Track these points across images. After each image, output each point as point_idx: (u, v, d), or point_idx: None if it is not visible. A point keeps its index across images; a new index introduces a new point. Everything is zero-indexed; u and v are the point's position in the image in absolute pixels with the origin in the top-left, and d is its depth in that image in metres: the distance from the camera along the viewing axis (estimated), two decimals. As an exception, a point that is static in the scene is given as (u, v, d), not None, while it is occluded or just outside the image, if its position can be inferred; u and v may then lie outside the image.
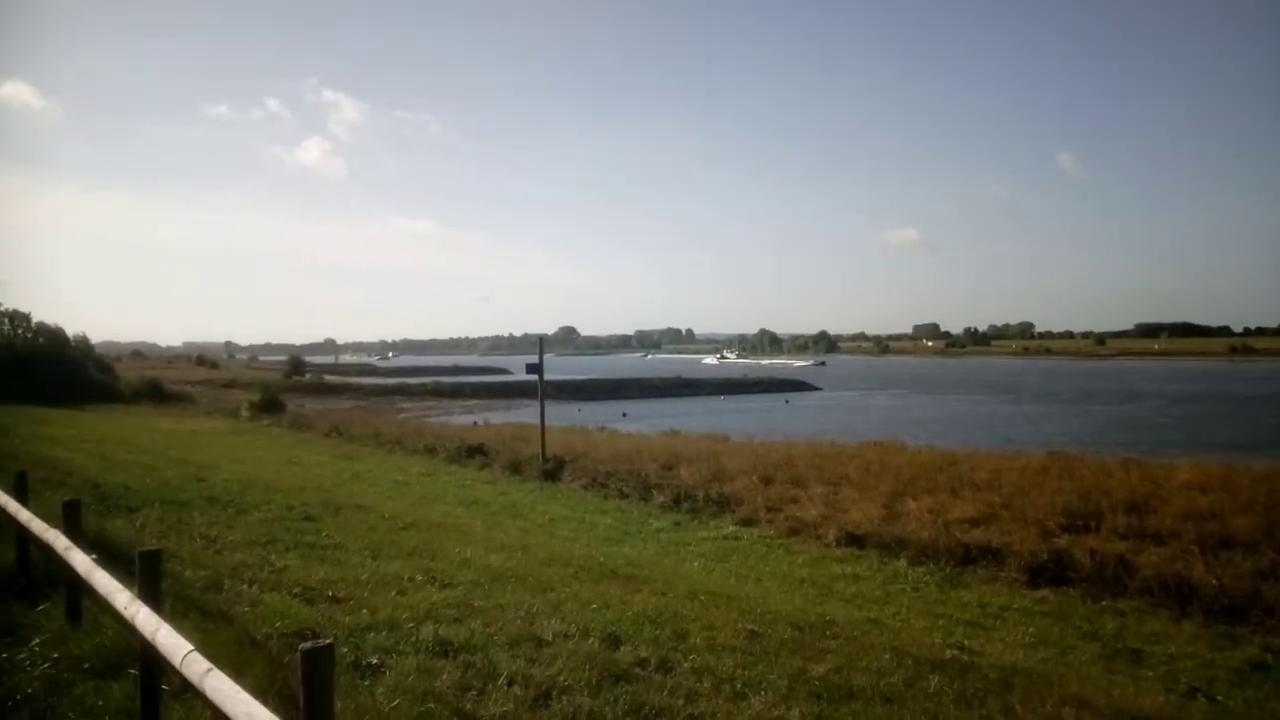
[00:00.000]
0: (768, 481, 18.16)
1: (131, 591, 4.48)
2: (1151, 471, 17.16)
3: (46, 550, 6.23)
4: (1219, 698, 7.61)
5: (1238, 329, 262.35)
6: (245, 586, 7.88)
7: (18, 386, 41.26)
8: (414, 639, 6.41)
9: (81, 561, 5.39)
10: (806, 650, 7.04)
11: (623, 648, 6.58)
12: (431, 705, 5.21)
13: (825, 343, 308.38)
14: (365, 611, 7.13)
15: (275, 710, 2.95)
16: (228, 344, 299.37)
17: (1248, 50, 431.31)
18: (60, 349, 53.56)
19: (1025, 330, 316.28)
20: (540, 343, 26.41)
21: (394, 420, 44.78)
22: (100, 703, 5.01)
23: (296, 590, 7.82)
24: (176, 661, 3.64)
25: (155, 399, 55.19)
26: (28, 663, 5.59)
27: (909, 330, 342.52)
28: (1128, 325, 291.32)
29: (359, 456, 27.38)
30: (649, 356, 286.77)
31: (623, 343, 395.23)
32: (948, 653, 7.80)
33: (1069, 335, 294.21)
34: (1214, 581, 10.39)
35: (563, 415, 46.08)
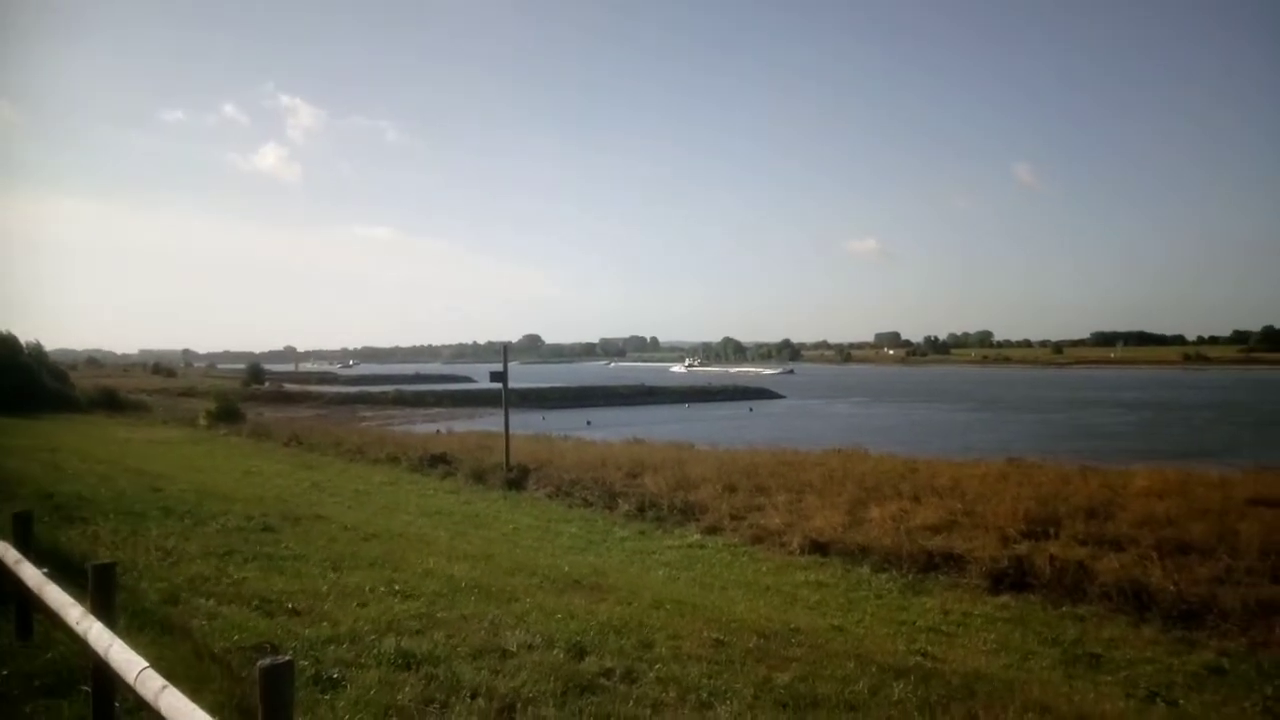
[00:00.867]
0: (732, 489, 18.20)
1: (84, 606, 4.37)
2: (1109, 478, 17.45)
3: (-5, 564, 6.07)
4: (1178, 702, 7.72)
5: (1191, 338, 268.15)
6: (203, 599, 7.73)
7: (-32, 395, 40.28)
8: (376, 651, 6.33)
9: (32, 575, 5.26)
10: (772, 658, 7.04)
11: (587, 658, 6.54)
12: (394, 719, 5.14)
13: (789, 351, 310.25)
14: (326, 624, 7.02)
15: (233, 728, 2.89)
16: (185, 352, 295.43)
17: (1201, 65, 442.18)
18: (13, 356, 52.26)
19: (984, 339, 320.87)
20: (504, 350, 26.31)
21: (355, 429, 44.33)
22: (51, 721, 4.88)
23: (255, 603, 7.69)
24: (130, 678, 3.56)
25: (111, 408, 54.24)
26: (-25, 680, 5.43)
27: (871, 339, 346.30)
28: (1084, 334, 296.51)
29: (319, 466, 27.03)
30: (611, 365, 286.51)
31: (587, 351, 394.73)
32: (911, 659, 7.84)
33: (1027, 344, 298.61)
34: (1171, 587, 10.56)
35: (527, 423, 45.87)
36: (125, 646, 3.81)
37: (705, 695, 5.91)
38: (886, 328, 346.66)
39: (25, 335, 57.85)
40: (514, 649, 6.61)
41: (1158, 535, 12.52)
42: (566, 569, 11.24)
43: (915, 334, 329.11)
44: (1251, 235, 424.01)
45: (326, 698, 5.38)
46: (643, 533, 16.38)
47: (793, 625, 8.84)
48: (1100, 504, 14.61)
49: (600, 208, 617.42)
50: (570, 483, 20.71)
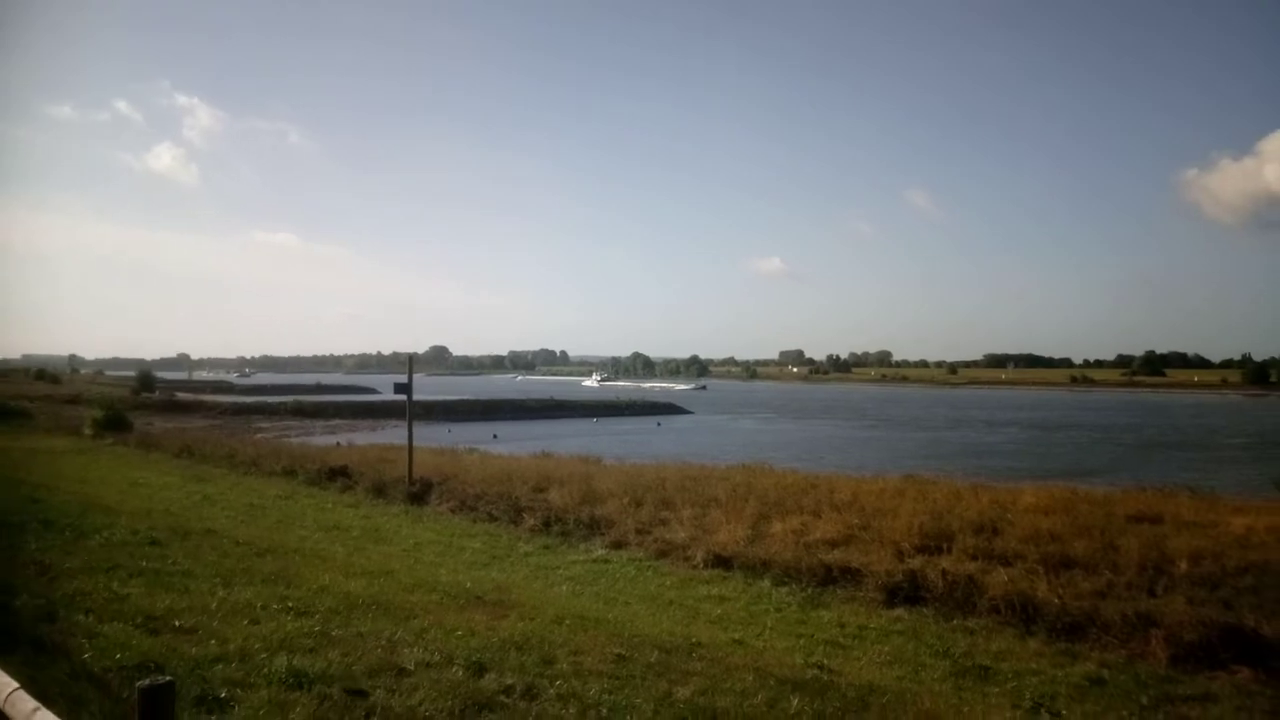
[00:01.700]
0: (638, 504, 18.23)
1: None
2: (999, 495, 18.08)
3: None
4: (1061, 712, 8.01)
5: (1078, 361, 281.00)
6: (83, 616, 7.38)
7: None
8: (266, 670, 6.13)
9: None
10: (673, 673, 7.08)
11: (487, 675, 6.46)
12: (284, 741, 4.99)
13: (697, 367, 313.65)
14: (214, 642, 6.78)
15: (109, 752, 2.76)
16: (72, 357, 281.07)
17: (1090, 94, 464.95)
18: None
19: (884, 358, 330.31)
20: (410, 361, 25.84)
21: (251, 440, 42.92)
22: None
23: (139, 620, 7.37)
24: (-2, 702, 3.36)
25: (-13, 415, 51.27)
26: None
27: (776, 356, 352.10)
28: (978, 355, 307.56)
29: (211, 478, 26.06)
30: (519, 378, 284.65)
31: (496, 363, 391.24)
32: (808, 672, 7.99)
33: (924, 364, 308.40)
34: (1056, 600, 10.97)
35: (432, 436, 45.20)
36: (-7, 668, 3.61)
37: (605, 711, 5.91)
38: (791, 346, 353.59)
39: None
40: (411, 667, 6.49)
41: (1044, 551, 13.00)
42: (469, 585, 11.10)
43: (818, 352, 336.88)
44: (1128, 268, 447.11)
45: (212, 718, 5.19)
46: (548, 547, 16.28)
47: (694, 639, 8.91)
48: (990, 520, 15.12)
49: (510, 220, 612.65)
50: (475, 497, 20.44)
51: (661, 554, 15.10)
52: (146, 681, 2.61)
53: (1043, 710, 7.98)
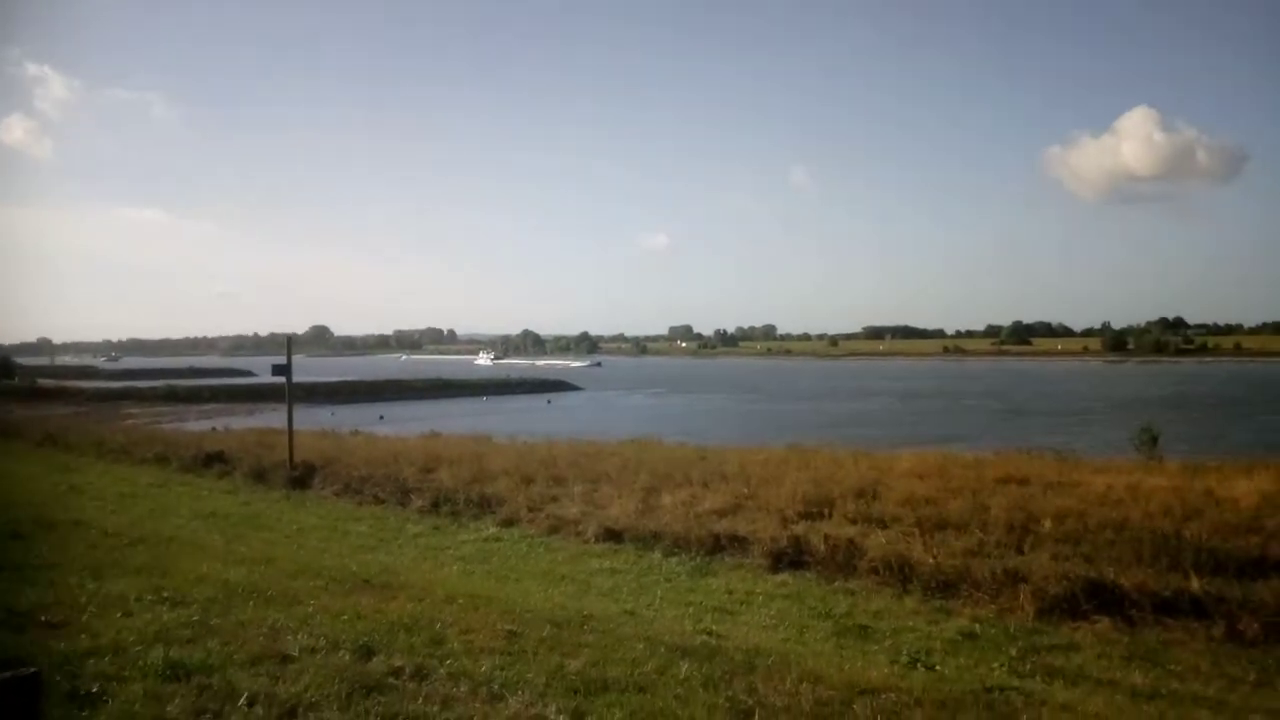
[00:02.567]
0: (529, 481, 18.22)
1: None
2: (877, 461, 18.82)
3: None
4: (936, 666, 8.42)
5: (950, 331, 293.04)
6: (-65, 617, 6.94)
7: None
8: (141, 663, 5.91)
9: None
10: (564, 646, 7.14)
11: (376, 658, 6.38)
12: (162, 733, 4.83)
13: (588, 343, 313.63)
14: (85, 636, 6.48)
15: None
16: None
17: (960, 74, 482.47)
18: None
19: (769, 332, 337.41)
20: (289, 342, 25.13)
21: (120, 427, 41.05)
22: None
23: (1, 617, 6.99)
24: None
25: None
26: None
27: (665, 332, 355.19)
28: (856, 328, 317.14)
29: (78, 468, 24.75)
30: (405, 358, 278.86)
31: (381, 343, 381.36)
32: (698, 639, 8.18)
33: (807, 337, 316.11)
34: (931, 560, 11.50)
35: (314, 419, 43.98)
36: None
37: (497, 687, 5.92)
38: (679, 321, 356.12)
39: None
40: (296, 653, 6.35)
41: (919, 514, 13.61)
42: (355, 569, 10.90)
43: (706, 327, 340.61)
44: (997, 243, 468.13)
45: (84, 714, 4.99)
46: (437, 528, 16.11)
47: (586, 612, 8.99)
48: (869, 485, 15.72)
49: (393, 193, 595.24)
50: (360, 480, 20.03)
51: (553, 530, 15.15)
52: (8, 674, 2.50)
53: (919, 665, 8.37)
